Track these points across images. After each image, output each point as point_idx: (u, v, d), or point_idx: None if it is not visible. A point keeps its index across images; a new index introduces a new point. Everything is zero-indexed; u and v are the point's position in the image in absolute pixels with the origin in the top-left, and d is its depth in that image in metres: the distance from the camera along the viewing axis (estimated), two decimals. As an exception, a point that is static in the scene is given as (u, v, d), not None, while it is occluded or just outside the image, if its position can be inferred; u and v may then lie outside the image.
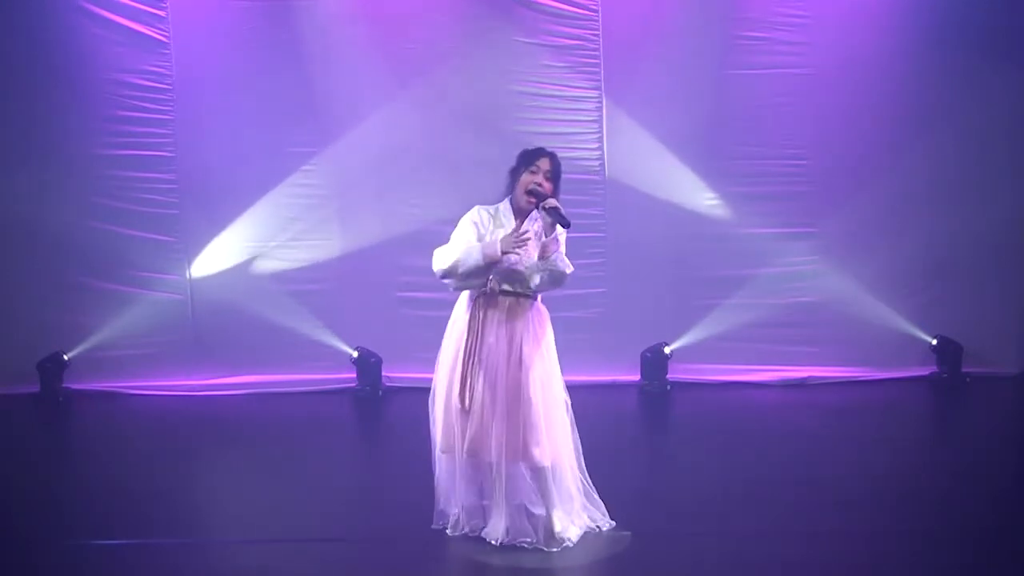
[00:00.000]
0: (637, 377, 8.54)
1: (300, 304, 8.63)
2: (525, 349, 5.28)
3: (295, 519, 5.88)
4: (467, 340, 5.30)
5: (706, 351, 8.60)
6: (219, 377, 8.66)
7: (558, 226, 5.22)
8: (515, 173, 5.37)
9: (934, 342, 8.50)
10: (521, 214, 5.35)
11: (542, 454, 5.25)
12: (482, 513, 5.39)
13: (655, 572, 5.17)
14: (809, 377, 8.57)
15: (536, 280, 5.27)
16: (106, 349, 8.65)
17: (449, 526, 5.44)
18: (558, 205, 5.22)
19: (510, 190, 5.39)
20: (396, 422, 8.15)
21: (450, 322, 5.50)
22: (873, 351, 8.53)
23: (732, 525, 5.61)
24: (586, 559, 5.21)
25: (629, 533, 5.41)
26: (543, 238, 5.23)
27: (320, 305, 8.65)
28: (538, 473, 5.27)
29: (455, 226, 5.45)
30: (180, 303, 8.65)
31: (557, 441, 5.33)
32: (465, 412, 5.27)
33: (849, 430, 7.42)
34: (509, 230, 5.28)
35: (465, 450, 5.28)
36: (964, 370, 8.46)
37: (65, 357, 8.59)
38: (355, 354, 8.59)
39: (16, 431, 8.02)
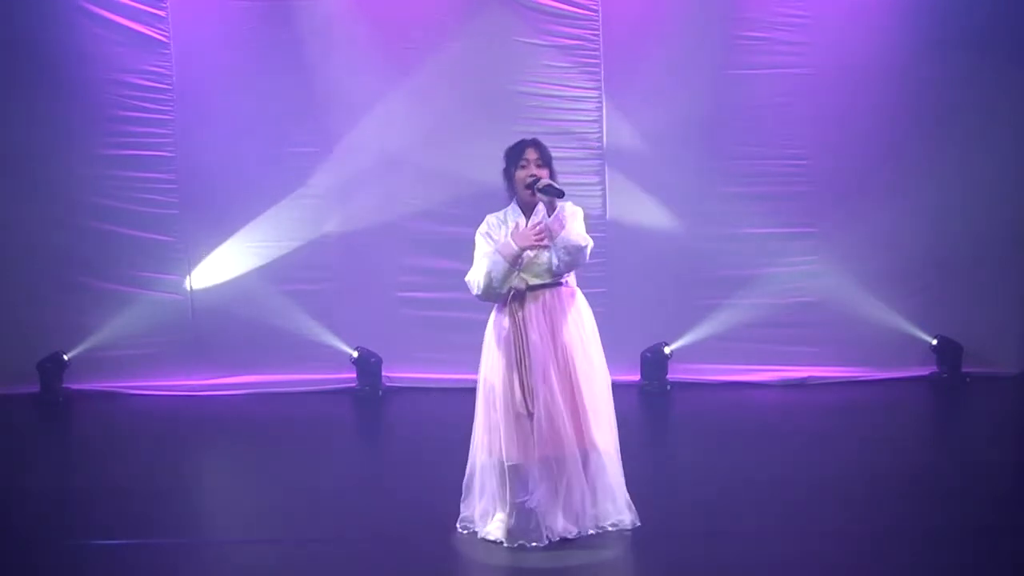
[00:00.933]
0: (637, 377, 8.53)
1: (300, 304, 8.63)
2: (565, 338, 5.27)
3: (295, 519, 5.88)
4: (515, 344, 5.26)
5: (706, 351, 8.59)
6: (219, 377, 8.66)
7: (560, 205, 5.22)
8: (508, 174, 5.38)
9: (934, 342, 8.50)
10: (529, 209, 5.35)
11: (596, 438, 5.25)
12: (573, 514, 5.32)
13: (655, 572, 5.17)
14: (809, 377, 8.56)
15: (554, 261, 5.25)
16: (106, 349, 8.65)
17: (508, 539, 5.30)
18: (550, 181, 5.23)
19: (511, 192, 5.39)
20: (396, 422, 8.15)
21: (488, 331, 5.42)
22: (873, 351, 8.52)
23: (732, 525, 5.61)
24: (586, 559, 5.21)
25: (629, 533, 5.41)
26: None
27: (320, 305, 8.65)
28: (591, 457, 5.26)
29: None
30: (180, 303, 8.65)
31: (603, 426, 5.31)
32: (530, 416, 5.22)
33: (849, 430, 7.41)
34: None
35: (538, 454, 5.21)
36: (964, 370, 8.45)
37: (65, 357, 8.59)
38: (355, 354, 8.59)
39: (16, 431, 8.02)
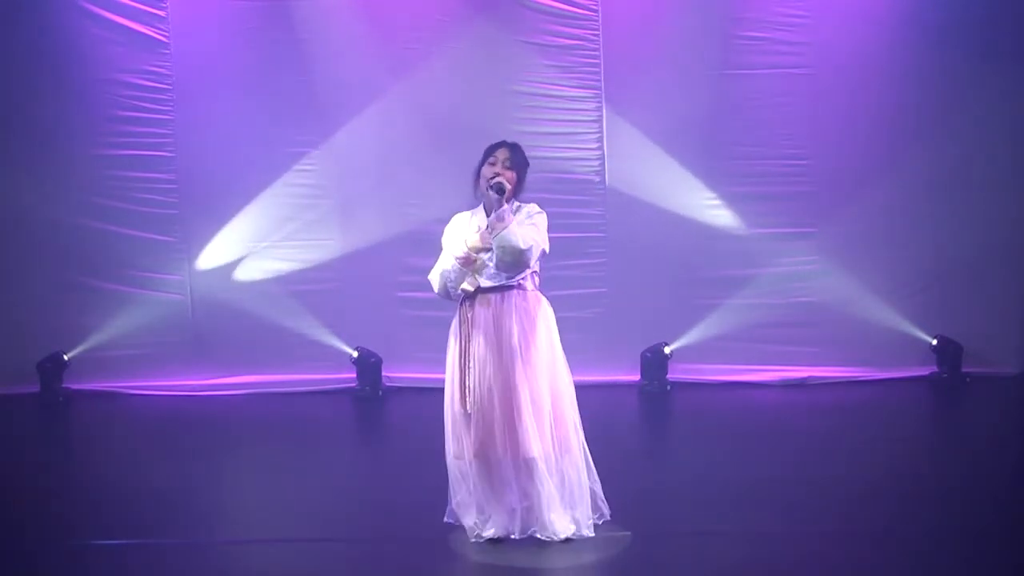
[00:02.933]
0: (637, 377, 8.53)
1: (300, 304, 8.64)
2: (513, 341, 5.23)
3: (295, 519, 5.88)
4: (460, 345, 5.29)
5: (706, 351, 8.59)
6: (219, 377, 8.66)
7: (518, 205, 5.22)
8: (476, 170, 5.34)
9: (934, 342, 8.50)
10: (490, 209, 5.28)
11: (531, 445, 5.20)
12: (506, 514, 5.32)
13: (655, 572, 5.16)
14: (809, 377, 8.57)
15: (495, 259, 5.19)
16: (106, 349, 8.66)
17: (472, 536, 5.34)
18: (500, 180, 5.20)
19: (475, 188, 5.35)
20: (396, 422, 8.15)
21: (451, 327, 5.45)
22: (873, 351, 8.52)
23: (732, 525, 5.60)
24: (586, 559, 5.21)
25: (629, 533, 5.41)
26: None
27: (320, 305, 8.65)
28: (529, 464, 5.23)
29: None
30: (180, 303, 8.66)
31: (548, 432, 5.25)
32: (468, 416, 5.25)
33: (849, 430, 7.41)
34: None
35: (473, 453, 5.24)
36: (964, 370, 8.45)
37: (65, 357, 8.60)
38: (355, 354, 8.59)
39: (16, 431, 8.02)
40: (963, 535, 5.39)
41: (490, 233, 5.18)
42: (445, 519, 5.48)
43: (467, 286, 5.26)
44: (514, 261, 5.16)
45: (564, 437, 5.31)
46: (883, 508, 5.81)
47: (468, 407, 5.24)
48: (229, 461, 7.32)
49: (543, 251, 5.27)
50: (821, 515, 5.73)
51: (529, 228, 5.20)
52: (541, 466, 5.23)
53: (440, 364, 8.34)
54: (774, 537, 5.43)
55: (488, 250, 5.22)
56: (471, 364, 5.26)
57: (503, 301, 5.27)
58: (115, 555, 5.42)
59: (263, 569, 5.26)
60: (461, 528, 5.43)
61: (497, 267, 5.21)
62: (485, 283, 5.27)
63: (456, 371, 5.31)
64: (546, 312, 5.37)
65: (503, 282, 5.26)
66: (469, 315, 5.28)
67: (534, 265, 5.28)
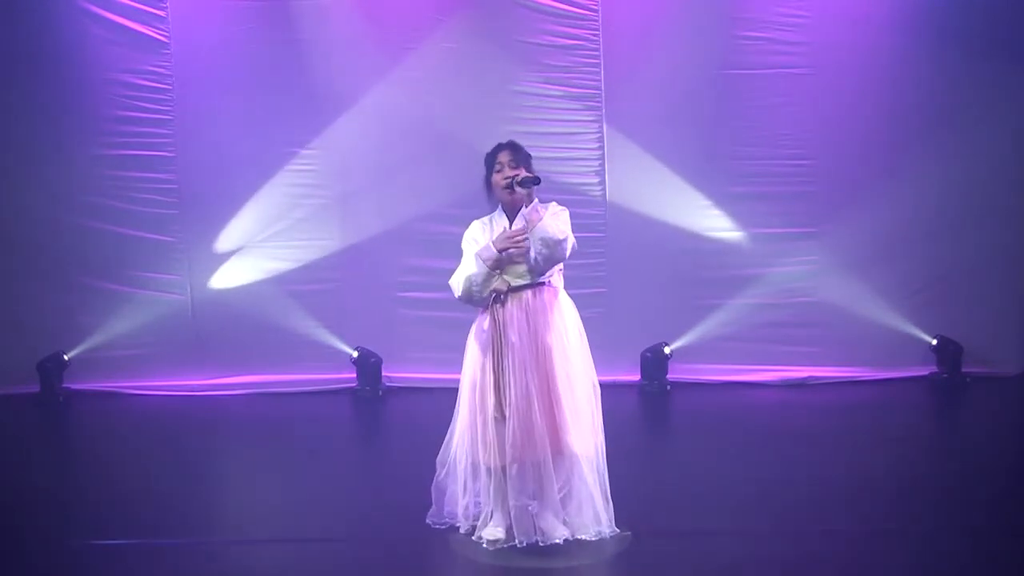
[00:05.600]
0: (637, 377, 8.53)
1: (300, 304, 8.64)
2: (546, 339, 5.24)
3: (295, 519, 5.89)
4: (493, 347, 5.25)
5: (706, 351, 8.59)
6: (219, 377, 8.66)
7: (540, 204, 5.19)
8: (487, 181, 5.36)
9: (934, 342, 8.50)
10: (513, 212, 5.32)
11: (571, 442, 5.22)
12: (515, 517, 5.31)
13: (655, 572, 5.17)
14: (809, 377, 8.57)
15: (532, 254, 5.19)
16: (106, 349, 8.66)
17: (463, 528, 5.40)
18: (526, 173, 5.21)
19: (491, 199, 5.38)
20: (396, 422, 8.15)
21: (471, 331, 5.42)
22: (873, 351, 8.52)
23: (732, 525, 5.61)
24: (586, 559, 5.21)
25: (629, 533, 5.41)
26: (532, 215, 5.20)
27: (320, 305, 8.65)
28: (565, 461, 5.24)
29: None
30: (180, 303, 8.66)
31: (583, 431, 5.27)
32: (503, 421, 5.22)
33: (849, 430, 7.42)
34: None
35: (508, 459, 5.21)
36: (964, 370, 8.45)
37: (65, 357, 8.60)
38: (355, 354, 8.60)
39: (16, 431, 8.02)
40: (962, 535, 5.40)
41: (527, 226, 5.16)
42: (431, 522, 5.48)
43: (499, 285, 5.24)
44: (551, 254, 5.17)
45: (591, 432, 5.33)
46: (883, 508, 5.81)
47: (504, 411, 5.20)
48: (229, 461, 7.32)
49: (573, 246, 5.29)
50: (821, 515, 5.73)
51: (560, 222, 5.21)
52: (580, 464, 5.26)
53: (440, 364, 8.46)
54: (774, 537, 5.44)
55: (515, 248, 5.20)
56: (507, 367, 5.22)
57: (536, 299, 5.28)
58: (115, 555, 5.43)
59: (263, 569, 5.27)
60: (459, 528, 5.45)
61: (535, 261, 5.20)
62: (516, 281, 5.26)
63: (489, 375, 5.25)
64: (575, 312, 5.40)
65: (533, 280, 5.27)
66: (501, 316, 5.25)
67: (567, 258, 5.29)
